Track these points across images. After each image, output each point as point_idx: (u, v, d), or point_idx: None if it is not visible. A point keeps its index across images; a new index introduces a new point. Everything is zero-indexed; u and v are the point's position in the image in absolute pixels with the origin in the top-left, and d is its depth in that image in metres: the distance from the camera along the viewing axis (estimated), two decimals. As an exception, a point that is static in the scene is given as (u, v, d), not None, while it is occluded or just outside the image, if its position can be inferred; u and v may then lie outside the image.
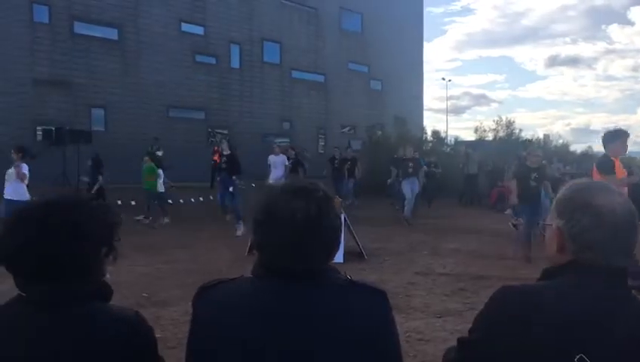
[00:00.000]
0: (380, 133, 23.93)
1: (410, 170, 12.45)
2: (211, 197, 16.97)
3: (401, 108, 27.73)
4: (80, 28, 20.10)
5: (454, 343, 1.55)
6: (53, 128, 18.24)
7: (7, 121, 18.34)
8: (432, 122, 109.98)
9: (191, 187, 16.97)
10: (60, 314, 1.45)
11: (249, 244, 8.78)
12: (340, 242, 1.51)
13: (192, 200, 16.32)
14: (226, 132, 24.03)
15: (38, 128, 18.93)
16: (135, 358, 1.46)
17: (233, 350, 1.38)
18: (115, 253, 1.60)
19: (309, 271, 1.44)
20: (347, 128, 29.33)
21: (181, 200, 15.56)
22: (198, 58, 23.60)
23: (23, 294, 1.50)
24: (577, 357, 1.27)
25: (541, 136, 31.83)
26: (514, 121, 31.30)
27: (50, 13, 19.41)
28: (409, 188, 12.34)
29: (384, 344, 1.46)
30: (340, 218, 1.51)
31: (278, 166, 13.87)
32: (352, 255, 8.04)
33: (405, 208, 12.38)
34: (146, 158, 13.01)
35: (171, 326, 4.90)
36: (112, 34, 21.02)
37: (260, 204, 1.49)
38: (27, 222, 1.47)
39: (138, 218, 12.36)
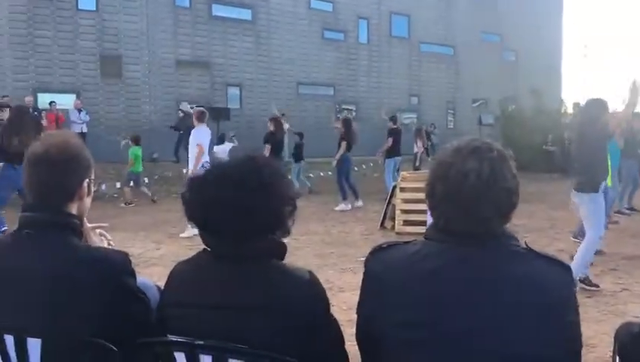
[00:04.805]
0: (513, 106, 22.80)
1: None
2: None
3: (537, 80, 26.11)
4: (218, 10, 21.09)
5: (607, 323, 1.43)
6: (194, 106, 19.48)
7: (154, 100, 19.85)
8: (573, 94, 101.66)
9: (321, 162, 17.32)
10: (242, 270, 1.54)
11: (381, 218, 8.83)
12: (516, 204, 1.45)
13: (322, 174, 16.68)
14: (353, 108, 24.19)
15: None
16: (310, 317, 1.51)
17: (402, 310, 1.39)
18: (295, 213, 1.65)
19: (482, 234, 1.40)
20: (478, 102, 28.24)
21: (311, 175, 15.95)
22: (327, 34, 23.84)
23: (208, 248, 1.61)
24: None
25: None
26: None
27: (191, -3, 20.57)
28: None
29: (567, 316, 1.40)
30: (517, 178, 1.45)
31: None
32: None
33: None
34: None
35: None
36: (247, 14, 21.84)
37: (434, 165, 1.47)
38: (220, 181, 1.55)
39: None
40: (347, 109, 23.81)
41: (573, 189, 5.15)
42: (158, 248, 7.08)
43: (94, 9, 18.66)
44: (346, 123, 11.48)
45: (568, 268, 1.45)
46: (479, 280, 1.36)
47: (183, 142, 17.39)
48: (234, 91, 21.68)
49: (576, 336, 1.43)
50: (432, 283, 1.38)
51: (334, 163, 11.20)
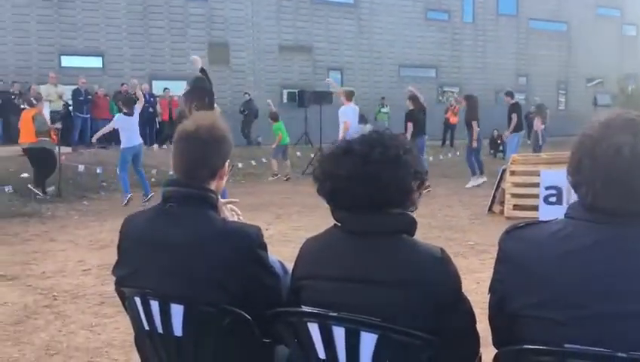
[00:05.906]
0: (633, 85, 21.14)
1: None
2: (441, 157, 16.88)
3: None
4: (318, -7, 21.27)
5: None
6: (297, 91, 19.82)
7: (259, 85, 20.38)
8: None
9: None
10: (372, 244, 1.54)
11: (490, 202, 8.55)
12: None
13: (423, 157, 16.41)
14: (456, 90, 23.50)
15: (284, 91, 20.70)
16: (444, 294, 1.49)
17: (544, 290, 1.34)
18: (423, 187, 1.63)
19: (635, 212, 1.30)
20: (594, 81, 26.41)
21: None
22: (430, 15, 23.29)
23: (339, 224, 1.62)
24: None
25: None
26: None
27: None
28: None
29: None
30: None
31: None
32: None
33: None
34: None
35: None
36: (351, -2, 21.84)
37: (578, 140, 1.40)
38: (349, 156, 1.57)
39: None
40: (449, 92, 23.20)
41: None
42: (267, 228, 7.29)
43: (204, -2, 19.44)
44: (471, 100, 11.42)
45: None
46: (631, 262, 1.28)
47: (248, 124, 17.81)
48: (335, 75, 21.75)
49: None
50: (579, 263, 1.32)
51: (474, 144, 11.22)
